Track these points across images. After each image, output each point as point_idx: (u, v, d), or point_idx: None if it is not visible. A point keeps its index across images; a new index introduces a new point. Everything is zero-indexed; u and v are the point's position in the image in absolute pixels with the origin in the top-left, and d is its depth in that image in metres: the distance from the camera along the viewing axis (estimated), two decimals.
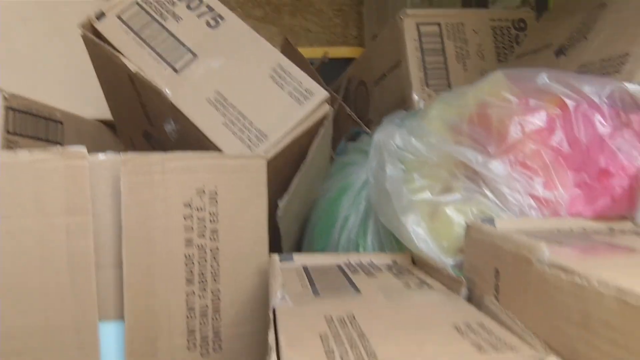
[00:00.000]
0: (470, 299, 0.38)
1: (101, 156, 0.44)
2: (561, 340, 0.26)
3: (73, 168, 0.41)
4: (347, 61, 1.23)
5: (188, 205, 0.45)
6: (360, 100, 1.01)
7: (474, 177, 0.45)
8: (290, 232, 0.64)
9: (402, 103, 0.82)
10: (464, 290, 0.38)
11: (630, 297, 0.22)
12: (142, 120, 0.70)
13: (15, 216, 0.41)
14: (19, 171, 0.40)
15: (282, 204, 0.56)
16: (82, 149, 0.42)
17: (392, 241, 0.51)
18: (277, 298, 0.36)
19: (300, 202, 0.64)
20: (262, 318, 0.49)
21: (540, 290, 0.29)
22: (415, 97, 0.81)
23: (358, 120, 0.93)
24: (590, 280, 0.24)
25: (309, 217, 0.68)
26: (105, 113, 0.94)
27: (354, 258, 0.48)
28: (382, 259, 0.48)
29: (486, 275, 0.36)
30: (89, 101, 0.96)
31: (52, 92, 0.88)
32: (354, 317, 0.32)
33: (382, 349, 0.27)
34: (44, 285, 0.41)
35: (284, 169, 0.60)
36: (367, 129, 0.87)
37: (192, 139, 0.61)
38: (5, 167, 0.40)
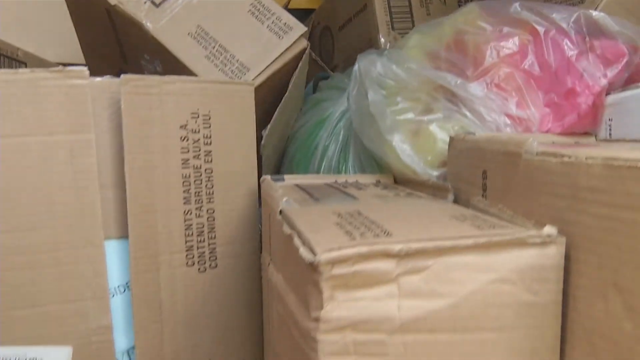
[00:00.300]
0: (456, 203, 0.41)
1: (97, 78, 0.44)
2: (550, 214, 0.30)
3: (74, 87, 0.42)
4: (306, 12, 1.24)
5: (184, 127, 0.47)
6: (325, 45, 1.03)
7: (453, 99, 0.49)
8: (271, 164, 0.66)
9: (369, 46, 0.85)
10: (450, 196, 0.42)
11: (615, 160, 0.25)
12: (117, 58, 0.70)
13: (18, 135, 0.41)
14: (20, 89, 0.41)
15: (265, 133, 0.59)
16: (83, 68, 0.42)
17: (374, 165, 0.54)
18: (283, 202, 0.38)
19: (279, 134, 0.67)
20: (252, 238, 0.52)
21: (530, 177, 0.32)
22: (382, 39, 0.83)
23: (324, 65, 0.95)
24: (579, 155, 0.28)
25: (286, 151, 0.70)
26: (68, 58, 0.92)
27: (340, 178, 0.51)
28: (366, 179, 0.52)
29: (473, 178, 0.39)
30: (50, 45, 0.94)
31: (11, 34, 0.86)
32: (360, 212, 0.35)
33: (395, 230, 0.30)
34: (50, 203, 0.42)
35: (264, 102, 0.62)
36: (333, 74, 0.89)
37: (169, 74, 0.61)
38: (6, 84, 0.40)
